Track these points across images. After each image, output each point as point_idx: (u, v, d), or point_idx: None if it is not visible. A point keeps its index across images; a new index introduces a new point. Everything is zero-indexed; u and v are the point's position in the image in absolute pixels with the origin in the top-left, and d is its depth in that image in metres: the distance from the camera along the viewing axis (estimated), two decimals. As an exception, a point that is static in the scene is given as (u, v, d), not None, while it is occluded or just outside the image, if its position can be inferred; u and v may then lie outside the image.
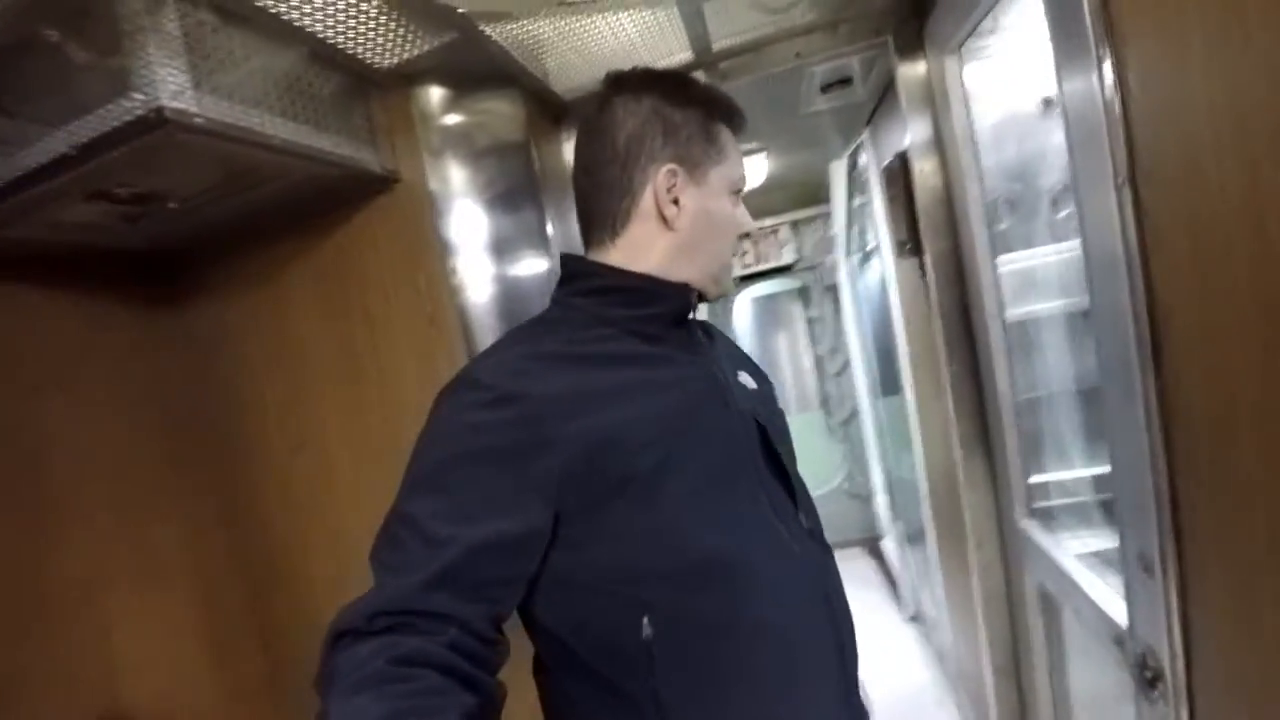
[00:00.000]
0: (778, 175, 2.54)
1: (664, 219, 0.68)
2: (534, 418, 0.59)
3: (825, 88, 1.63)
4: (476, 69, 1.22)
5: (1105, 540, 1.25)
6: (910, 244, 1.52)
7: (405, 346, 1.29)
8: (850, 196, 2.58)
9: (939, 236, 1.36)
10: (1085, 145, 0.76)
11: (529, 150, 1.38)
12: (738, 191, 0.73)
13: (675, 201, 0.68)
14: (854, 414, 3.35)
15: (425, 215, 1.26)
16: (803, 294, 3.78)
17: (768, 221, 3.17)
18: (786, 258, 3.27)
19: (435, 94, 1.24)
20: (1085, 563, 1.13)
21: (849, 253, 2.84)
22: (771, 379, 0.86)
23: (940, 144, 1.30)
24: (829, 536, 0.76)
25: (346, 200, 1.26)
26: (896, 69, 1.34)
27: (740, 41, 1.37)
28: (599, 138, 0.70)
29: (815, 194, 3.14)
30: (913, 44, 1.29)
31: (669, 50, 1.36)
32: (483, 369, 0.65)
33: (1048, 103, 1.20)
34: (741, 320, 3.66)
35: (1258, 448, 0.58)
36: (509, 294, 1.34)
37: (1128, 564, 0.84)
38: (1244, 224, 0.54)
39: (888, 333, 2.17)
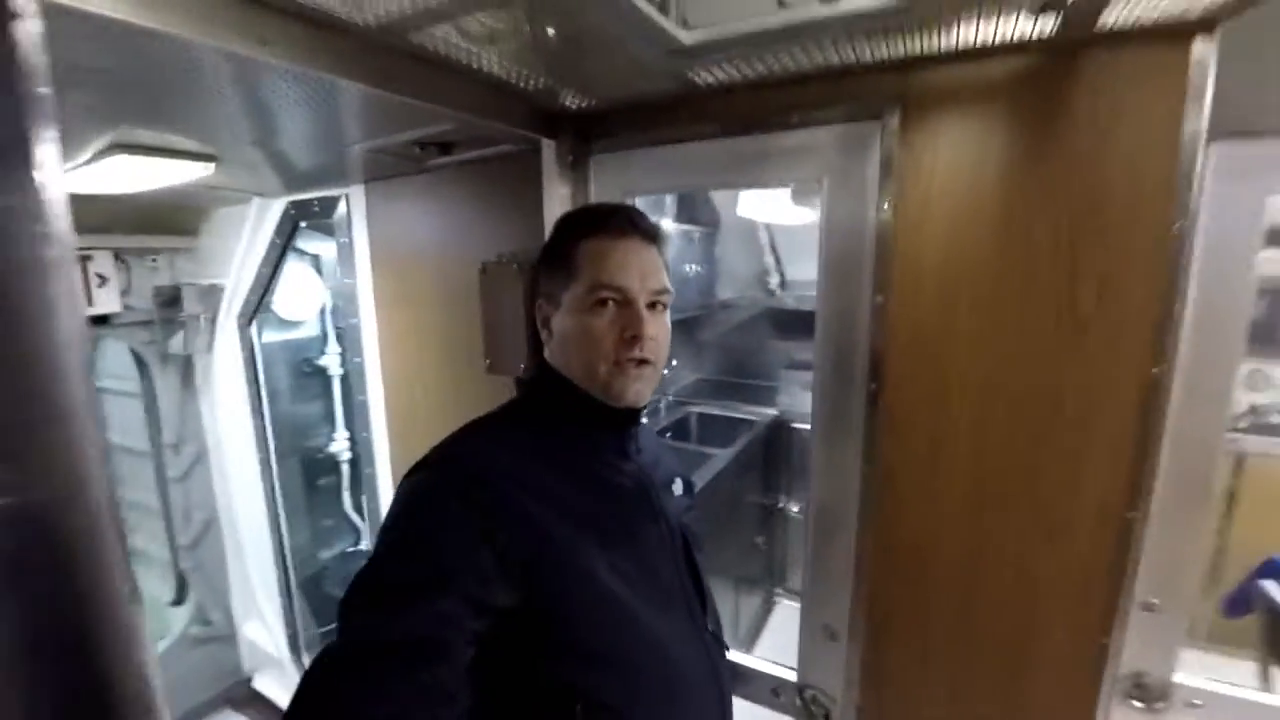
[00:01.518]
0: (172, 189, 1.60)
1: (546, 344, 0.81)
2: (500, 512, 0.65)
3: (424, 144, 1.25)
4: None
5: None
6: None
7: None
8: (284, 250, 1.95)
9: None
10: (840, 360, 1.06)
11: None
12: (600, 302, 0.74)
13: (549, 329, 0.80)
14: (208, 527, 2.45)
15: None
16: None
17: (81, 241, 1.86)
18: (105, 304, 2.01)
19: None
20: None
21: (250, 317, 2.12)
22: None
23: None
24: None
25: None
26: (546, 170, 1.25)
27: (439, 48, 0.90)
28: None
29: (168, 219, 2.15)
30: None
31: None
32: (463, 454, 0.71)
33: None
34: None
35: (949, 563, 1.02)
36: None
37: (806, 635, 1.18)
38: (966, 428, 0.97)
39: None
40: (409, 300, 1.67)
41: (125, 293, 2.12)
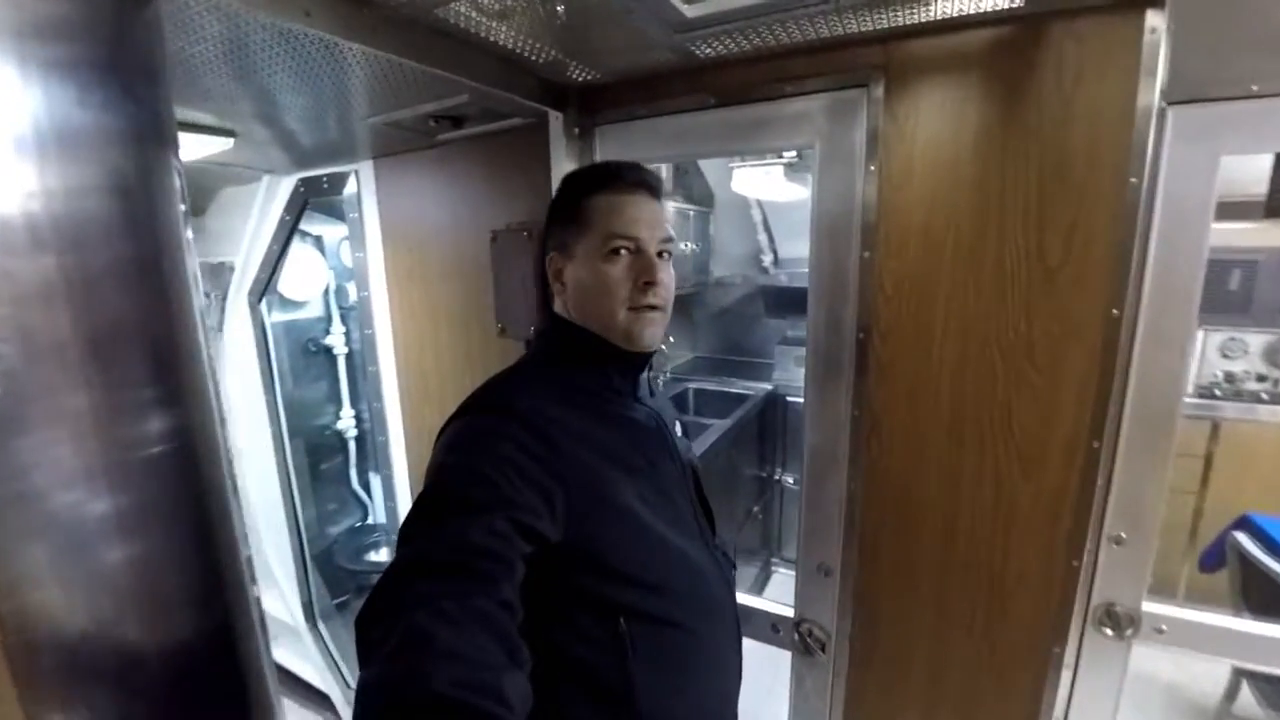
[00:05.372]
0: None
1: (558, 296, 0.86)
2: (553, 450, 0.71)
3: (438, 117, 1.31)
4: None
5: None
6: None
7: None
8: (294, 228, 2.01)
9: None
10: (832, 307, 1.14)
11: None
12: (614, 250, 0.80)
13: (561, 281, 0.85)
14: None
15: None
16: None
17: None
18: (117, 283, 2.06)
19: None
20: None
21: (260, 295, 2.18)
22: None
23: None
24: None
25: None
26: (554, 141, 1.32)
27: (462, 23, 0.97)
28: None
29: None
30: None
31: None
32: (527, 407, 0.73)
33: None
34: None
35: (933, 497, 1.11)
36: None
37: (803, 572, 1.28)
38: (946, 372, 1.06)
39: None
40: (420, 272, 1.73)
41: (137, 272, 2.17)
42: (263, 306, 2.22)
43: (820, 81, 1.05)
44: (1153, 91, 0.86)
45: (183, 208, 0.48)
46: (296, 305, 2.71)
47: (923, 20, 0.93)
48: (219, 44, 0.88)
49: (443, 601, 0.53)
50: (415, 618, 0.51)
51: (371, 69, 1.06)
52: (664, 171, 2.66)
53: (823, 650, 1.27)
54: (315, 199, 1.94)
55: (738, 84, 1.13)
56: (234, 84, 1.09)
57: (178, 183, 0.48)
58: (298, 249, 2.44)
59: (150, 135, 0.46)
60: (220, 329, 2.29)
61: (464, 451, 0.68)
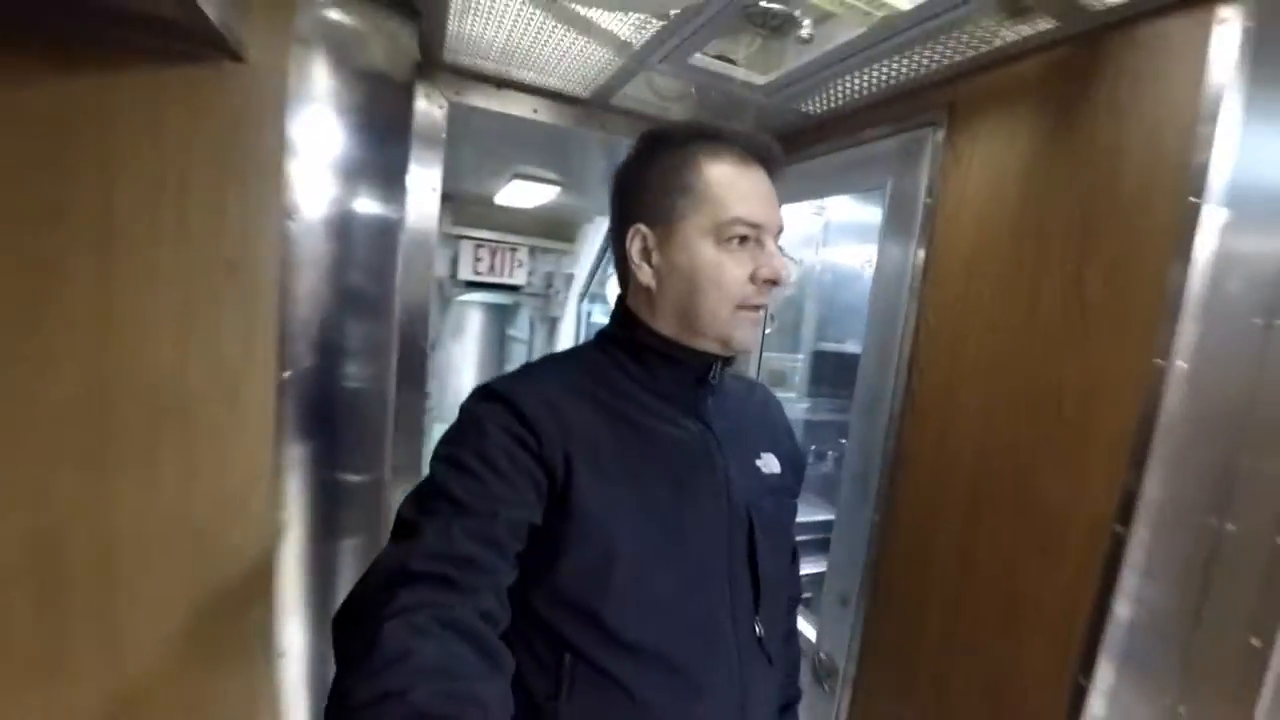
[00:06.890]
0: (548, 205, 2.64)
1: (641, 280, 0.68)
2: (540, 439, 0.62)
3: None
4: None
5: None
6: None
7: (170, 298, 0.89)
8: (605, 253, 2.87)
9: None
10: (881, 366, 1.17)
11: (411, 91, 1.16)
12: (735, 238, 0.64)
13: (649, 263, 0.67)
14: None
15: (269, 109, 0.94)
16: (511, 314, 3.92)
17: (511, 238, 3.21)
18: (518, 279, 3.34)
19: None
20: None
21: (584, 297, 3.13)
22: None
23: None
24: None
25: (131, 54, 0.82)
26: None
27: (635, 106, 1.47)
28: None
29: (558, 230, 3.34)
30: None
31: (587, 74, 1.34)
32: (522, 393, 0.65)
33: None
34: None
35: (947, 530, 1.01)
36: (344, 233, 1.08)
37: (826, 601, 1.25)
38: (973, 418, 0.97)
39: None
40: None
41: (531, 274, 3.40)
42: (584, 305, 3.16)
43: (900, 124, 1.13)
44: (1219, 93, 0.70)
45: (399, 215, 1.11)
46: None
47: (984, 50, 0.94)
48: (500, 129, 1.59)
49: (420, 613, 0.50)
50: (394, 631, 0.49)
51: (588, 142, 1.65)
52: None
53: (827, 680, 1.21)
54: (620, 233, 2.74)
55: (838, 133, 1.28)
56: (548, 154, 1.85)
57: (402, 201, 1.11)
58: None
59: (393, 173, 1.10)
60: (563, 317, 3.34)
61: (455, 443, 0.63)
